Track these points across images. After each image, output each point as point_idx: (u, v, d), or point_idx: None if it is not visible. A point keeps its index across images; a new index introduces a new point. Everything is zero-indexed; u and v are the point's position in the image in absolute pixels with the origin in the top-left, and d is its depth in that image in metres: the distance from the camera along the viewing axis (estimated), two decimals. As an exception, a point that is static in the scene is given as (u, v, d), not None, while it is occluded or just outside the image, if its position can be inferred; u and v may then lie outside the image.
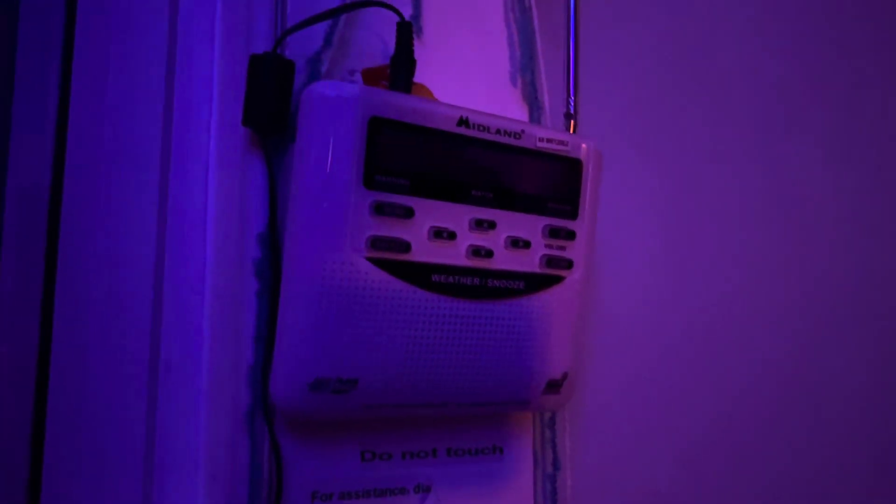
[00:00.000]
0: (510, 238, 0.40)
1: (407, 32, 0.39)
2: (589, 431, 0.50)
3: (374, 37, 0.42)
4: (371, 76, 0.40)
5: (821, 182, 0.67)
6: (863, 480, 0.67)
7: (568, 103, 0.45)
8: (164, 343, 0.39)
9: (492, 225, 0.39)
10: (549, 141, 0.41)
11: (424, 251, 0.37)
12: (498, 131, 0.39)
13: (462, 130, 0.38)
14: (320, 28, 0.40)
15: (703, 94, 0.59)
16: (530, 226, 0.41)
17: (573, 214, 0.42)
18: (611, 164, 0.48)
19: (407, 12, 0.43)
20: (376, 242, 0.35)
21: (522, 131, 0.40)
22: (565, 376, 0.43)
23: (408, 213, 0.36)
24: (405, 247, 0.36)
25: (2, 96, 0.43)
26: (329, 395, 0.35)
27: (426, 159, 0.37)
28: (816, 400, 0.65)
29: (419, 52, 0.43)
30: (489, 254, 0.39)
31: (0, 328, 0.45)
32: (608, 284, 0.53)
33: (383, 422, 0.40)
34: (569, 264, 0.42)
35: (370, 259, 0.35)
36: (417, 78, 0.43)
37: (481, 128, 0.39)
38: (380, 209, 0.35)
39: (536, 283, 0.41)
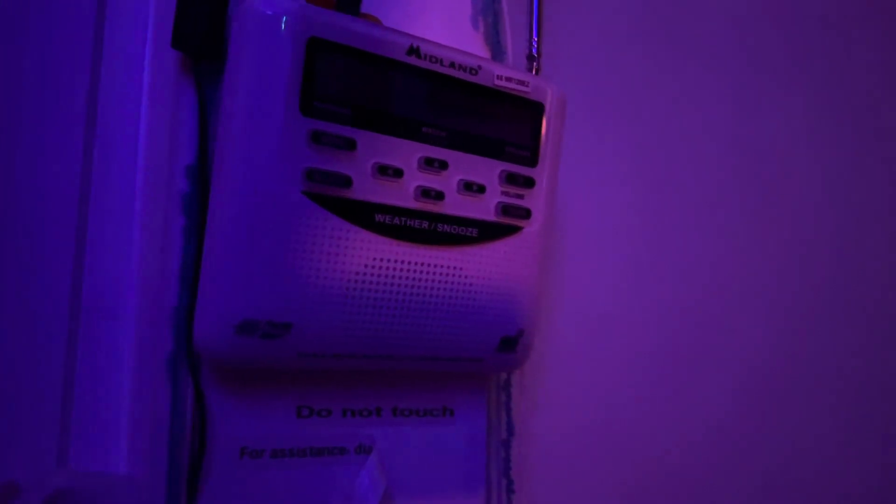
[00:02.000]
0: (463, 181, 0.37)
1: (355, -47, 0.36)
2: (546, 396, 0.47)
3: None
4: (317, 1, 0.37)
5: (803, 137, 0.65)
6: (849, 482, 0.66)
7: (530, 44, 0.42)
8: (87, 284, 0.36)
9: (443, 165, 0.36)
10: (507, 80, 0.38)
11: (367, 189, 0.34)
12: (452, 64, 0.36)
13: (412, 60, 0.35)
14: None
15: (677, 45, 0.56)
16: (486, 170, 0.38)
17: (532, 161, 0.40)
18: (578, 112, 0.46)
19: (360, -60, 0.40)
20: (313, 175, 0.32)
21: (479, 66, 0.37)
22: (521, 334, 0.40)
23: (349, 144, 0.33)
24: (346, 181, 0.33)
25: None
26: (258, 340, 0.32)
27: (371, 88, 0.34)
28: (799, 373, 0.63)
29: (372, -16, 0.40)
30: (439, 196, 0.36)
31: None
32: (572, 241, 0.50)
33: (322, 375, 0.37)
34: (526, 213, 0.39)
35: (306, 193, 0.33)
36: (371, 12, 0.40)
37: (433, 59, 0.36)
38: (317, 138, 0.32)
39: (490, 231, 0.38)
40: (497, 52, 0.44)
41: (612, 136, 0.52)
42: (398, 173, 0.35)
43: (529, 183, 0.39)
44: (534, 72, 0.43)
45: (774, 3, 0.64)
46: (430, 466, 0.41)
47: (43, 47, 0.38)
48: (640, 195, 0.54)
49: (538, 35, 0.42)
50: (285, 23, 0.32)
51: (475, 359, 0.40)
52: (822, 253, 0.66)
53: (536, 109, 0.40)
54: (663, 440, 0.54)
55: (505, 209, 0.39)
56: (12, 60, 0.38)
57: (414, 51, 0.35)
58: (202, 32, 0.34)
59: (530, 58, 0.42)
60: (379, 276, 0.35)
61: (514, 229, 0.39)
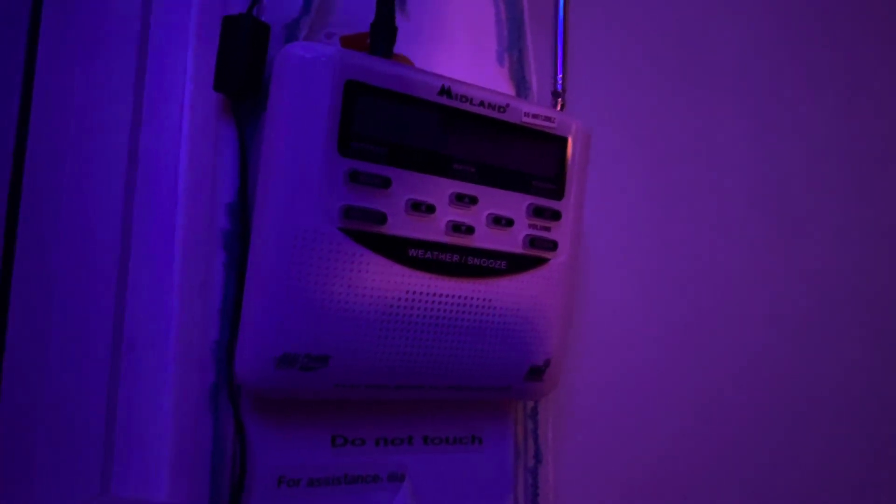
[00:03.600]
0: (492, 215, 0.38)
1: (387, -2, 0.37)
2: (574, 424, 0.48)
3: (355, 5, 0.40)
4: (350, 43, 0.38)
5: (817, 177, 0.66)
6: (847, 481, 0.66)
7: (555, 81, 0.43)
8: (129, 318, 0.37)
9: (473, 200, 0.37)
10: (535, 116, 0.39)
11: (401, 224, 0.35)
12: (482, 103, 0.38)
13: (443, 100, 0.36)
14: (299, -7, 0.38)
15: (696, 79, 0.58)
16: (514, 204, 0.39)
17: (559, 194, 0.41)
18: (602, 145, 0.47)
19: (391, -17, 0.42)
20: (350, 212, 0.34)
21: (507, 105, 0.38)
22: (548, 363, 0.41)
23: (385, 182, 0.35)
24: (381, 218, 0.34)
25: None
26: (297, 372, 0.34)
27: (405, 128, 0.36)
28: (805, 394, 0.63)
29: (403, 26, 0.42)
30: (470, 230, 0.37)
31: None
32: (598, 270, 0.51)
33: (356, 405, 0.38)
34: (553, 245, 0.40)
35: (343, 230, 0.34)
36: (400, 52, 0.41)
37: (464, 98, 0.37)
38: (355, 177, 0.34)
39: (519, 263, 0.39)
40: (522, 88, 0.45)
41: (635, 167, 0.53)
42: (430, 209, 0.36)
43: (556, 216, 0.40)
44: (559, 107, 0.44)
45: (787, 26, 0.65)
46: (459, 493, 0.42)
47: (88, 88, 0.40)
48: (663, 223, 0.55)
49: (563, 71, 0.43)
50: (323, 67, 0.33)
51: (503, 387, 0.41)
52: (844, 278, 0.67)
53: (562, 144, 0.41)
54: (693, 465, 0.54)
55: (532, 241, 0.40)
56: (61, 100, 0.40)
57: (445, 91, 0.36)
58: (242, 75, 0.35)
59: (555, 94, 0.43)
60: (412, 308, 0.36)
61: (541, 261, 0.40)
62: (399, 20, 0.41)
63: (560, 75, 0.43)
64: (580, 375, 0.49)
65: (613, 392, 0.51)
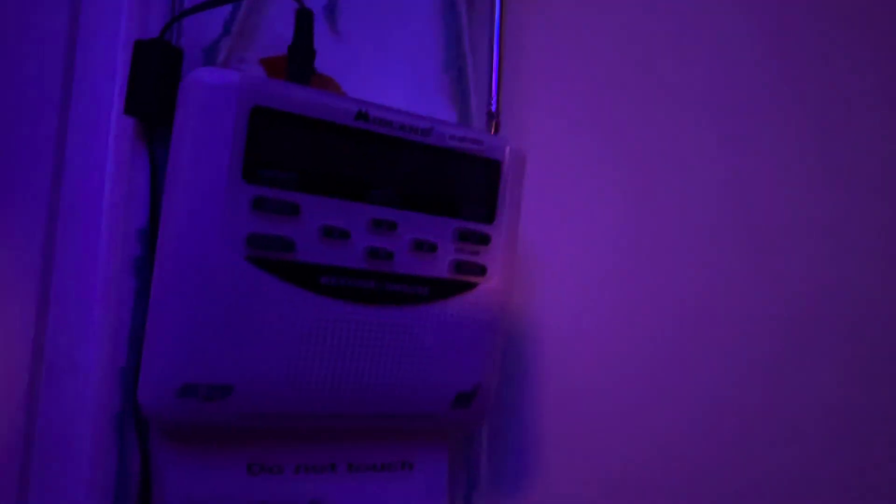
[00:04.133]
0: (414, 240, 0.37)
1: (306, 20, 0.37)
2: (514, 446, 0.47)
3: (278, 26, 0.40)
4: (271, 65, 0.38)
5: (790, 175, 0.64)
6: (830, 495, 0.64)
7: (490, 102, 0.42)
8: (49, 347, 0.37)
9: (392, 226, 0.37)
10: (461, 139, 0.39)
11: (312, 251, 0.35)
12: (402, 127, 0.37)
13: (361, 125, 0.36)
14: (219, 15, 0.38)
15: (650, 98, 0.56)
16: (438, 228, 0.38)
17: (489, 218, 0.40)
18: (558, 164, 0.46)
19: (321, 2, 0.41)
20: (255, 240, 0.33)
21: (431, 128, 0.38)
22: (477, 389, 0.40)
23: (293, 209, 0.34)
24: (289, 245, 0.34)
25: None
26: (200, 402, 0.33)
27: (318, 154, 0.35)
28: (774, 420, 0.62)
29: (333, 46, 0.41)
30: (389, 256, 0.37)
31: None
32: (541, 290, 0.50)
33: (274, 432, 0.38)
34: (482, 270, 0.40)
35: (249, 259, 0.33)
36: (332, 73, 0.41)
37: (383, 122, 0.36)
38: (260, 204, 0.33)
39: (443, 289, 0.39)
40: (462, 110, 0.44)
41: (587, 184, 0.52)
42: (345, 235, 0.35)
43: (485, 240, 0.40)
44: (493, 129, 0.43)
45: (746, 42, 0.63)
46: (386, 521, 0.41)
47: (12, 104, 0.40)
48: (615, 246, 0.54)
49: (498, 92, 0.42)
50: (227, 93, 0.32)
51: (430, 415, 0.40)
52: (814, 286, 0.65)
53: (492, 167, 0.40)
54: (643, 488, 0.53)
55: (458, 266, 0.39)
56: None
57: (363, 115, 0.36)
58: (153, 100, 0.35)
59: (490, 115, 0.42)
60: (325, 337, 0.35)
61: (469, 286, 0.39)
62: (330, 40, 0.41)
63: (495, 96, 0.42)
64: (523, 401, 0.48)
65: (561, 419, 0.49)
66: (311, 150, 0.35)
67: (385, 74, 0.43)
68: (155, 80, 0.35)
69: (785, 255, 0.63)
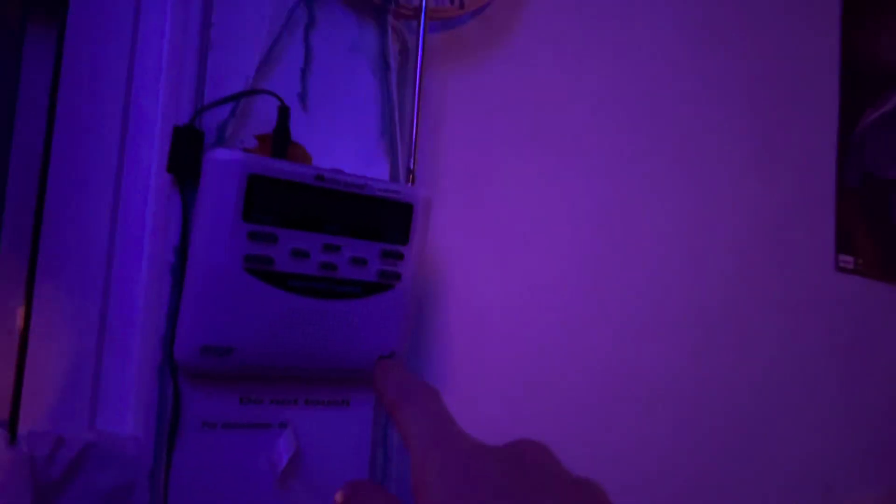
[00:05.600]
0: (352, 257, 0.58)
1: (284, 113, 0.56)
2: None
3: (267, 109, 0.59)
4: (262, 140, 0.57)
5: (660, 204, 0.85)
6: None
7: (409, 161, 0.62)
8: (111, 318, 0.57)
9: (337, 248, 0.57)
10: (386, 190, 0.59)
11: (285, 264, 0.55)
12: (346, 184, 0.57)
13: (318, 183, 0.56)
14: (229, 103, 0.57)
15: (542, 140, 0.76)
16: (369, 249, 0.59)
17: (404, 241, 0.60)
18: (464, 200, 0.66)
19: (295, 90, 0.61)
20: (249, 258, 0.53)
21: (366, 184, 0.58)
22: (392, 353, 0.61)
23: (273, 238, 0.54)
24: (270, 261, 0.54)
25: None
26: (214, 357, 0.53)
27: (290, 202, 0.55)
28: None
29: (304, 119, 0.61)
30: (334, 267, 0.57)
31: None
32: (442, 290, 0.71)
33: (258, 377, 0.58)
34: (398, 276, 0.60)
35: (246, 269, 0.53)
36: (302, 139, 0.60)
37: (334, 181, 0.56)
38: (253, 236, 0.53)
39: (371, 288, 0.59)
40: (393, 164, 0.64)
41: (476, 220, 0.73)
42: (306, 254, 0.56)
43: (400, 256, 0.60)
44: (410, 180, 0.63)
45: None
46: (330, 440, 0.62)
47: (85, 160, 0.59)
48: (501, 252, 0.74)
49: (414, 153, 0.62)
50: (233, 167, 0.52)
51: (361, 370, 0.60)
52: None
53: (406, 208, 0.60)
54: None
55: (382, 274, 0.59)
56: (70, 167, 0.59)
57: (320, 177, 0.56)
58: (185, 164, 0.54)
59: (408, 171, 0.62)
60: (292, 319, 0.56)
61: (388, 286, 0.60)
62: (300, 113, 0.60)
63: (412, 157, 0.62)
64: (428, 357, 0.69)
65: (452, 368, 0.70)
66: (286, 200, 0.55)
67: (339, 139, 0.63)
68: (186, 151, 0.54)
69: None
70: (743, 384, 0.95)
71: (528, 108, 0.74)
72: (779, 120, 1.00)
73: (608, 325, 0.82)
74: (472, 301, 0.72)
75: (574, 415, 0.78)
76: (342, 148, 0.63)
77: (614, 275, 0.82)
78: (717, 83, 0.94)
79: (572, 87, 0.78)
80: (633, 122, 0.84)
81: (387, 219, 0.59)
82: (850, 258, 1.13)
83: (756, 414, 0.96)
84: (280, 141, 0.56)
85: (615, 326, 0.82)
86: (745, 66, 0.97)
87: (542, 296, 0.76)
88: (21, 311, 0.63)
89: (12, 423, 0.56)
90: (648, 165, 0.85)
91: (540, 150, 0.76)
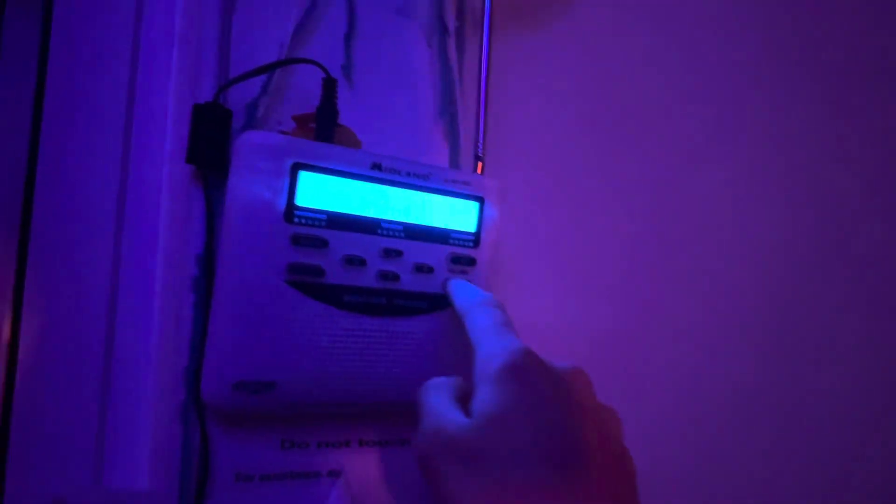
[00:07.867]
0: (416, 264, 0.47)
1: (331, 87, 0.45)
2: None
3: (306, 84, 0.48)
4: (301, 121, 0.46)
5: (730, 210, 0.75)
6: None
7: (476, 146, 0.51)
8: (118, 347, 0.46)
9: (399, 253, 0.46)
10: (454, 181, 0.48)
11: (337, 275, 0.44)
12: (408, 174, 0.46)
13: (375, 173, 0.45)
14: (258, 78, 0.46)
15: (608, 133, 0.66)
16: (435, 254, 0.48)
17: (475, 244, 0.49)
18: (534, 195, 0.55)
19: (338, 62, 0.50)
20: (293, 268, 0.42)
21: (430, 173, 0.47)
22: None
23: (323, 243, 0.43)
24: (320, 272, 0.43)
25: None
26: (250, 395, 0.42)
27: (342, 198, 0.44)
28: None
29: (349, 97, 0.50)
30: (396, 277, 0.46)
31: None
32: (521, 297, 0.60)
33: (302, 416, 0.47)
34: (469, 286, 0.49)
35: (288, 282, 0.42)
36: (347, 121, 0.49)
37: (392, 170, 0.45)
38: (297, 241, 0.42)
39: (438, 302, 0.48)
40: (454, 149, 0.53)
41: (549, 216, 0.62)
42: (362, 262, 0.44)
43: (472, 262, 0.49)
44: (479, 169, 0.52)
45: (708, 71, 0.73)
46: (389, 486, 0.51)
47: (82, 155, 0.48)
48: (570, 262, 0.63)
49: (483, 138, 0.51)
50: (272, 152, 0.41)
51: (425, 402, 0.49)
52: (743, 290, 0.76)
53: (477, 202, 0.49)
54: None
55: (451, 284, 0.48)
56: (58, 164, 0.48)
57: (377, 166, 0.45)
58: (209, 151, 0.43)
59: (476, 157, 0.51)
60: (347, 343, 0.44)
61: (458, 299, 0.49)
62: (345, 90, 0.49)
63: (481, 141, 0.51)
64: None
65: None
66: (336, 195, 0.44)
67: (391, 120, 0.51)
68: (210, 136, 0.43)
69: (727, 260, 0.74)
70: (823, 393, 0.84)
71: (606, 85, 0.63)
72: (861, 105, 0.90)
73: (683, 324, 0.71)
74: (528, 315, 0.61)
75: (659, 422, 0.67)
76: (392, 130, 0.52)
77: (686, 268, 0.71)
78: (798, 65, 0.83)
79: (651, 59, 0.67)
80: (712, 108, 0.73)
81: (455, 216, 0.48)
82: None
83: (837, 424, 0.86)
84: (326, 121, 0.45)
85: (687, 327, 0.71)
86: (828, 48, 0.87)
87: (599, 307, 0.65)
88: (6, 338, 0.52)
89: (-3, 483, 0.45)
90: (731, 158, 0.74)
91: (621, 135, 0.65)
